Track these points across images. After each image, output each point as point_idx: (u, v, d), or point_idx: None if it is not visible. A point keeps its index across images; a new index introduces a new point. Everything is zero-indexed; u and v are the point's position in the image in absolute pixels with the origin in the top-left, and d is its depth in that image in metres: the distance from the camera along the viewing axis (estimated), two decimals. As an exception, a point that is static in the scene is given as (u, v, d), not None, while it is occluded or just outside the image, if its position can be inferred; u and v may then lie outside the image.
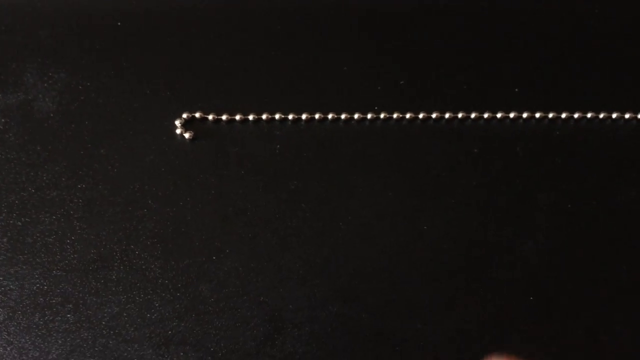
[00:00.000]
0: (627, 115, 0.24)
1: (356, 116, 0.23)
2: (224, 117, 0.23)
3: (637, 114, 0.24)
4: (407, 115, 0.23)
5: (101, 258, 0.21)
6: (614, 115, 0.24)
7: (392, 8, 0.26)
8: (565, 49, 0.25)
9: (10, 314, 0.20)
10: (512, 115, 0.24)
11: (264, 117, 0.23)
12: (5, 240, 0.21)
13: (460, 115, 0.23)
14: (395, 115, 0.23)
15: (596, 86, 0.25)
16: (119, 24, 0.24)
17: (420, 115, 0.23)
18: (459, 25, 0.26)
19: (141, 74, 0.24)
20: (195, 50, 0.24)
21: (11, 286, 0.20)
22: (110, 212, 0.21)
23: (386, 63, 0.25)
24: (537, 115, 0.24)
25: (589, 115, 0.24)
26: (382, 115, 0.23)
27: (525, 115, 0.24)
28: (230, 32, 0.25)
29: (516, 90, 0.24)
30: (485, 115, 0.24)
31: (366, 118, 0.23)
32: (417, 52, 0.25)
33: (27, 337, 0.19)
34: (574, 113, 0.24)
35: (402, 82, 0.24)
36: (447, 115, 0.23)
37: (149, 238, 0.21)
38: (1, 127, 0.22)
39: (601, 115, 0.24)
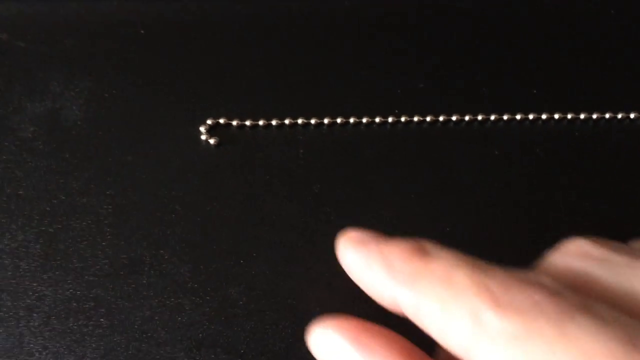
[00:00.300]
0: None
1: (377, 120, 0.24)
2: (247, 123, 0.24)
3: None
4: (428, 118, 0.24)
5: (132, 263, 0.21)
6: (632, 115, 0.24)
7: (408, 9, 0.26)
8: (583, 49, 0.26)
9: (45, 319, 0.20)
10: (531, 116, 0.24)
11: (286, 121, 0.24)
12: (38, 247, 0.21)
13: (480, 117, 0.24)
14: (415, 119, 0.24)
15: (614, 86, 0.25)
16: (142, 31, 0.25)
17: (441, 118, 0.24)
18: (474, 26, 0.26)
19: (165, 81, 0.24)
20: (218, 57, 0.25)
21: (45, 292, 0.21)
22: (139, 218, 0.22)
23: (405, 66, 0.25)
24: (556, 116, 0.24)
25: (607, 115, 0.24)
26: (402, 119, 0.24)
27: (544, 116, 0.24)
28: (253, 38, 0.25)
29: (534, 91, 0.25)
30: (505, 117, 0.24)
31: (387, 122, 0.24)
32: (435, 54, 0.25)
33: (62, 342, 0.20)
34: (592, 113, 0.24)
35: (421, 85, 0.25)
36: (467, 118, 0.24)
37: (178, 243, 0.22)
38: (30, 136, 0.23)
39: (619, 116, 0.24)
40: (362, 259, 0.15)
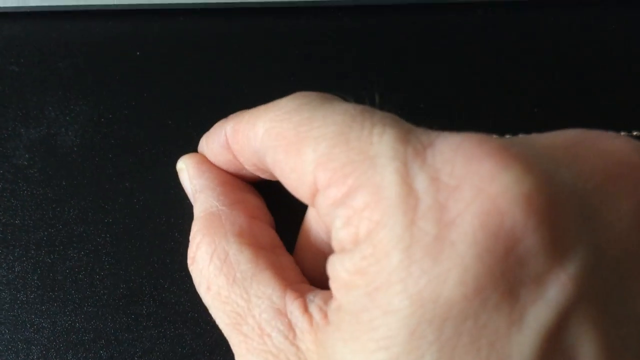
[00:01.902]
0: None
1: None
2: None
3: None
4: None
5: (131, 293, 0.21)
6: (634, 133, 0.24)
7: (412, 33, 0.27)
8: (586, 67, 0.26)
9: (44, 352, 0.20)
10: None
11: None
12: (35, 277, 0.21)
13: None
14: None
15: (614, 105, 0.25)
16: (138, 53, 0.25)
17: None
18: (473, 44, 0.26)
19: (163, 104, 0.24)
20: (219, 78, 0.25)
21: (43, 324, 0.21)
22: (138, 246, 0.22)
23: (408, 87, 0.25)
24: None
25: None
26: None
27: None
28: (255, 59, 0.25)
29: (535, 110, 0.25)
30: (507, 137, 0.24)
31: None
32: (435, 71, 0.26)
33: (62, 375, 0.20)
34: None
35: (421, 106, 0.25)
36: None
37: (177, 272, 0.22)
38: (25, 163, 0.23)
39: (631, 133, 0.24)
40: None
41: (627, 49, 0.26)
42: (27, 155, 0.23)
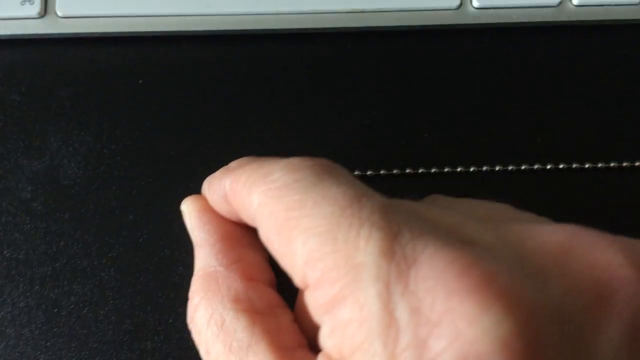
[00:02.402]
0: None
1: (381, 172, 0.24)
2: None
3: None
4: (432, 170, 0.24)
5: (136, 328, 0.21)
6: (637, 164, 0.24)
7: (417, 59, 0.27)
8: (585, 95, 0.26)
9: (50, 388, 0.21)
10: (536, 166, 0.24)
11: None
12: (40, 313, 0.22)
13: (485, 168, 0.24)
14: (420, 170, 0.24)
15: (618, 134, 0.25)
16: (140, 81, 0.25)
17: (445, 170, 0.24)
18: (457, 70, 0.26)
19: (167, 133, 0.24)
20: (225, 106, 0.25)
21: (48, 360, 0.21)
22: (142, 281, 0.22)
23: (391, 117, 0.25)
24: (561, 166, 0.24)
25: (611, 164, 0.25)
26: (407, 170, 0.24)
27: (549, 166, 0.24)
28: (259, 85, 0.25)
29: (539, 140, 0.25)
30: (510, 168, 0.24)
31: (392, 174, 0.24)
32: (436, 104, 0.26)
33: (68, 412, 0.20)
34: (598, 163, 0.25)
35: (425, 135, 0.25)
36: (472, 169, 0.24)
37: (182, 306, 0.22)
38: (28, 196, 0.23)
39: (624, 164, 0.25)
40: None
41: (616, 71, 0.26)
42: (29, 188, 0.23)
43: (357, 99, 0.25)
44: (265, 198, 0.16)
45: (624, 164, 0.25)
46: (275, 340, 0.16)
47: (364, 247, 0.13)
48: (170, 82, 0.25)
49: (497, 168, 0.24)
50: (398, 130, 0.25)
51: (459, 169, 0.24)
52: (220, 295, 0.17)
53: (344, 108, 0.25)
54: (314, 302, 0.14)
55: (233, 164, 0.19)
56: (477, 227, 0.15)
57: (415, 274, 0.13)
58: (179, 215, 0.23)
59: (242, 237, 0.19)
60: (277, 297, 0.18)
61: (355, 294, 0.13)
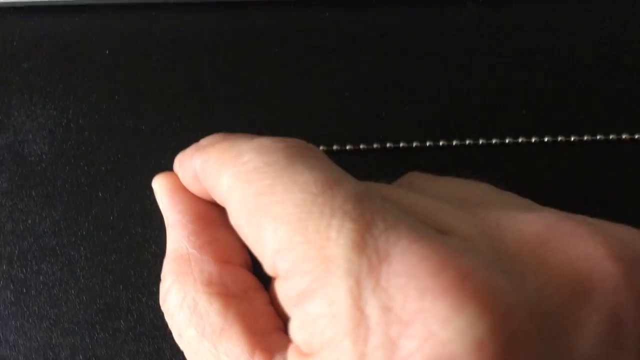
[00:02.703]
0: None
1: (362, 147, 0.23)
2: None
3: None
4: (414, 144, 0.23)
5: (108, 308, 0.21)
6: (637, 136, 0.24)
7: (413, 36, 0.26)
8: (571, 68, 0.25)
9: (21, 369, 0.20)
10: (520, 140, 0.24)
11: None
12: (8, 292, 0.21)
13: (468, 142, 0.24)
14: (402, 144, 0.23)
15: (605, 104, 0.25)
16: (107, 52, 0.24)
17: (428, 144, 0.23)
18: (457, 50, 0.25)
19: (136, 107, 0.23)
20: (195, 77, 0.24)
21: (19, 340, 0.21)
22: (114, 259, 0.22)
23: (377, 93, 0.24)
24: (546, 139, 0.24)
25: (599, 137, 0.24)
26: (388, 145, 0.23)
27: (534, 139, 0.24)
28: (230, 57, 0.24)
29: (524, 112, 0.24)
30: (494, 141, 0.24)
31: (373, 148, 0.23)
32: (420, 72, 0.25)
33: (40, 392, 0.20)
34: (584, 135, 0.24)
35: (406, 107, 0.24)
36: (454, 143, 0.24)
37: (155, 285, 0.21)
38: (-7, 173, 0.22)
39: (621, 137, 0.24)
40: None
41: (618, 44, 0.25)
42: (-7, 165, 0.22)
43: (333, 71, 0.24)
44: (235, 181, 0.15)
45: (611, 137, 0.24)
46: (249, 325, 0.16)
47: (335, 238, 0.13)
48: (138, 52, 0.24)
49: (480, 142, 0.24)
50: (378, 103, 0.24)
51: (440, 143, 0.24)
52: (192, 278, 0.17)
53: (320, 81, 0.24)
54: (284, 293, 0.14)
55: (204, 141, 0.19)
56: (455, 214, 0.14)
57: (387, 269, 0.12)
58: (150, 192, 0.22)
59: (216, 217, 0.18)
60: (252, 279, 0.17)
61: (325, 288, 0.13)
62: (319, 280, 0.13)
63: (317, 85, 0.24)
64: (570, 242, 0.13)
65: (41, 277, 0.21)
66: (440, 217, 0.14)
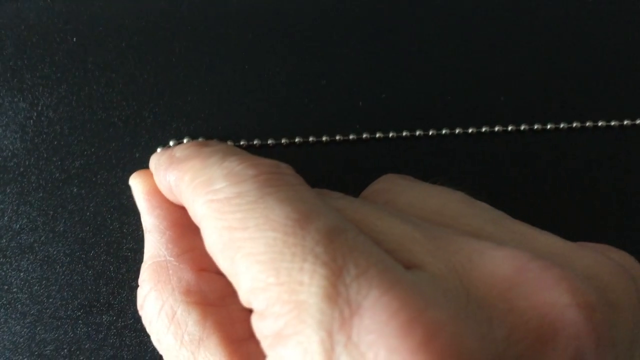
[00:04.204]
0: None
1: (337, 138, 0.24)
2: None
3: None
4: (390, 134, 0.24)
5: (89, 303, 0.22)
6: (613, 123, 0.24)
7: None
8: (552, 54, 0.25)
9: (7, 364, 0.21)
10: (497, 128, 0.24)
11: (268, 142, 0.23)
12: (-11, 290, 0.22)
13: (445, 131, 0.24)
14: (378, 135, 0.24)
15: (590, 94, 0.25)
16: (75, 39, 0.23)
17: (404, 134, 0.24)
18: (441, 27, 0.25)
19: (109, 99, 0.23)
20: (171, 69, 0.23)
21: (4, 336, 0.21)
22: (92, 255, 0.22)
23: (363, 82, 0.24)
24: (523, 127, 0.24)
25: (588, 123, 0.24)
26: (364, 136, 0.24)
27: (510, 128, 0.24)
28: (207, 47, 0.24)
29: (501, 99, 0.25)
30: (470, 130, 0.24)
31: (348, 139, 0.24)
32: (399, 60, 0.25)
33: (27, 385, 0.21)
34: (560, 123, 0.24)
35: (383, 96, 0.24)
36: (430, 132, 0.24)
37: (134, 279, 0.22)
38: (-36, 169, 0.22)
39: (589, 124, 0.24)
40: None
41: (603, 36, 0.25)
42: (-36, 161, 0.22)
43: (307, 56, 0.24)
44: (208, 210, 0.15)
45: (587, 124, 0.25)
46: (227, 333, 0.17)
47: (308, 283, 0.13)
48: (108, 40, 0.23)
49: (456, 131, 0.24)
50: (353, 92, 0.24)
51: (417, 133, 0.24)
52: (170, 286, 0.17)
53: (293, 70, 0.24)
54: (259, 331, 0.15)
55: (177, 152, 0.19)
56: (427, 248, 0.15)
57: (358, 323, 0.13)
58: (126, 187, 0.23)
59: (192, 223, 0.19)
60: (228, 286, 0.18)
61: (298, 336, 0.13)
62: (292, 325, 0.13)
63: (291, 74, 0.24)
64: (536, 288, 0.14)
65: (21, 274, 0.22)
66: (413, 250, 0.15)
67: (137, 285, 0.22)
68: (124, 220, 0.22)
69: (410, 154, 0.24)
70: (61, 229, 0.22)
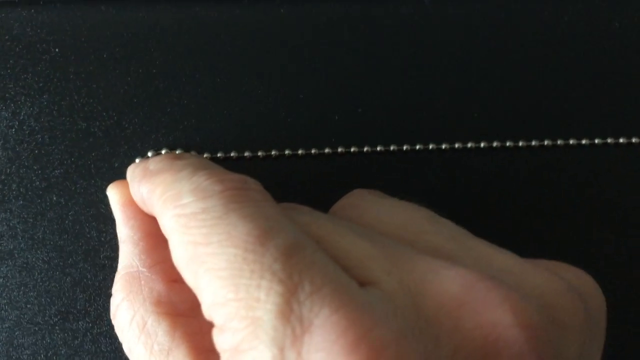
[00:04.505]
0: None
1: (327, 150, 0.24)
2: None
3: None
4: (365, 149, 0.24)
5: (66, 309, 0.22)
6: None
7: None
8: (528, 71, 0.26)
9: (-15, 367, 0.22)
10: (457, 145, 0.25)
11: (244, 154, 0.24)
12: (-32, 295, 0.22)
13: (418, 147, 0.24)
14: (363, 148, 0.24)
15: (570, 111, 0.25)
16: (57, 50, 0.24)
17: (378, 148, 0.24)
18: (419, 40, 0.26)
19: (89, 109, 0.24)
20: (150, 80, 0.24)
21: (-18, 341, 0.22)
22: (70, 262, 0.23)
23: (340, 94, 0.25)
24: (495, 144, 0.25)
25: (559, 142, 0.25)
26: (339, 150, 0.24)
27: (483, 144, 0.25)
28: (185, 58, 0.24)
29: (475, 115, 0.25)
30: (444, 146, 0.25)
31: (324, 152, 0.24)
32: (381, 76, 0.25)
33: (4, 389, 0.22)
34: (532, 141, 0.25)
35: (359, 110, 0.25)
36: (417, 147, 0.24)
37: (111, 287, 0.22)
38: (-54, 176, 0.23)
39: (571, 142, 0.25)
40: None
41: (573, 44, 0.26)
42: (-54, 168, 0.23)
43: (284, 70, 0.25)
44: (175, 225, 0.16)
45: (559, 142, 0.25)
46: (196, 344, 0.17)
47: (264, 300, 0.14)
48: (89, 51, 0.24)
49: (430, 146, 0.25)
50: (330, 105, 0.25)
51: (391, 147, 0.24)
52: (142, 297, 0.18)
53: (269, 79, 0.25)
54: (218, 345, 0.15)
55: (152, 164, 0.19)
56: (383, 266, 0.15)
57: (309, 341, 0.13)
58: (104, 197, 0.23)
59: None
60: None
61: (253, 351, 0.14)
62: (248, 341, 0.14)
63: (269, 87, 0.24)
64: (482, 308, 0.14)
65: (1, 280, 0.22)
66: (369, 267, 0.15)
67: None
68: (102, 228, 0.23)
69: (384, 168, 0.24)
70: (40, 236, 0.23)
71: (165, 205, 0.17)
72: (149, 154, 0.23)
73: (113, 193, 0.21)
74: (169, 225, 0.16)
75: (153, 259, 0.19)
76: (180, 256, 0.16)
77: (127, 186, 0.21)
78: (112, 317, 0.19)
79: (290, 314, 0.13)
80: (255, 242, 0.14)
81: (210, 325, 0.18)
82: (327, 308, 0.13)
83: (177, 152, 0.23)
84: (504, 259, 0.17)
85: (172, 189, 0.17)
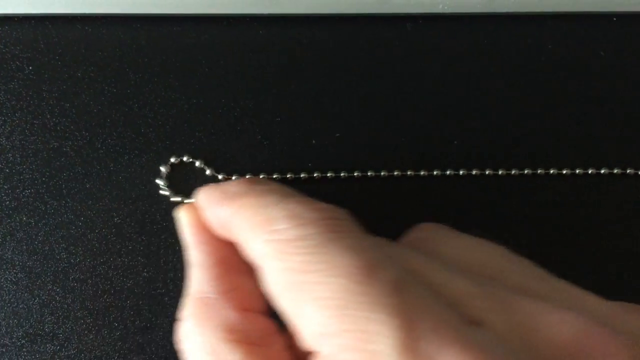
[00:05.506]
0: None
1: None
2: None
3: None
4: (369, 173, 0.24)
5: (34, 332, 0.23)
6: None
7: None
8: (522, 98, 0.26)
9: (-50, 389, 0.22)
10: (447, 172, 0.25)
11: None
12: None
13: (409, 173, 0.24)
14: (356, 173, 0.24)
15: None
16: (31, 67, 0.24)
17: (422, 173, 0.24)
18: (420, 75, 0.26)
19: (60, 129, 0.23)
20: (123, 99, 0.24)
21: (-52, 362, 0.22)
22: (38, 284, 0.23)
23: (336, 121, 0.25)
24: (474, 172, 0.25)
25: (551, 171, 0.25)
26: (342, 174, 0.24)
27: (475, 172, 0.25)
28: (165, 76, 0.24)
29: (455, 142, 0.25)
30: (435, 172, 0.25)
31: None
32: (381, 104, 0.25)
33: (-31, 411, 0.22)
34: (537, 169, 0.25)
35: (337, 135, 0.25)
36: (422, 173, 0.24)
37: (80, 310, 0.23)
38: None
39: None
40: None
41: (552, 69, 0.25)
42: None
43: (262, 90, 0.24)
44: (270, 250, 0.16)
45: (551, 171, 0.25)
46: None
47: (378, 333, 0.13)
48: (64, 70, 0.24)
49: (421, 173, 0.24)
50: (307, 130, 0.25)
51: (395, 173, 0.24)
52: (214, 324, 0.18)
53: (245, 100, 0.24)
54: None
55: (232, 187, 0.19)
56: (486, 303, 0.15)
57: None
58: (76, 218, 0.23)
59: (238, 261, 0.19)
60: (271, 325, 0.18)
61: None
62: None
63: (245, 107, 0.24)
64: (600, 355, 0.14)
65: (-33, 301, 0.23)
66: (473, 305, 0.15)
67: (82, 316, 0.23)
68: (72, 250, 0.23)
69: (375, 193, 0.24)
70: (9, 256, 0.23)
71: (255, 229, 0.16)
72: (162, 168, 0.23)
73: (185, 215, 0.20)
74: (261, 251, 0.16)
75: (226, 285, 0.18)
76: (276, 282, 0.15)
77: (197, 211, 0.20)
78: (179, 342, 0.18)
79: (414, 349, 0.13)
80: (361, 274, 0.14)
81: (281, 355, 0.17)
82: (449, 347, 0.13)
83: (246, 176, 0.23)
84: (593, 301, 0.17)
85: (261, 213, 0.16)
